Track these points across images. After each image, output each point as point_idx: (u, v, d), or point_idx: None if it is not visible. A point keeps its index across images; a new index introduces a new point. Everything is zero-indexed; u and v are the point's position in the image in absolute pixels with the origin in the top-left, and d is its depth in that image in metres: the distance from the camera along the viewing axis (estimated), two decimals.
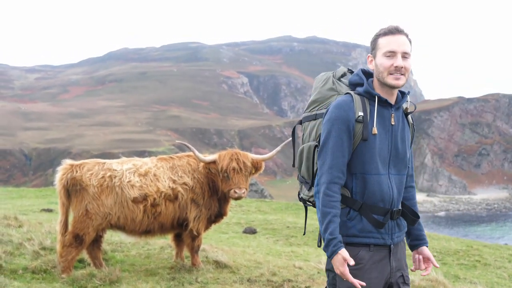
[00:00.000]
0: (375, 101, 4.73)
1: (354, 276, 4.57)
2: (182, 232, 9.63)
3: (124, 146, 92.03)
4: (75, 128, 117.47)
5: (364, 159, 4.67)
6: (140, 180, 9.08)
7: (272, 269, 9.79)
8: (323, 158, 4.67)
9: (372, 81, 4.85)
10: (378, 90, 4.77)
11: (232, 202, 10.07)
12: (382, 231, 4.72)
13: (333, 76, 5.12)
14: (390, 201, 4.74)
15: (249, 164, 9.26)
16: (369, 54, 4.84)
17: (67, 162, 9.15)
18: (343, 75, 5.12)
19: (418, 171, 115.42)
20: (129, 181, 8.99)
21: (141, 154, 66.87)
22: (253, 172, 9.48)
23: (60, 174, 9.00)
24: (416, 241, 5.08)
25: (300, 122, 5.22)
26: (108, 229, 9.29)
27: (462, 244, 16.32)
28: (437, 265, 5.07)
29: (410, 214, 4.94)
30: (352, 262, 4.50)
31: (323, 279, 9.21)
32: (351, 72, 5.17)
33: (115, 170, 9.10)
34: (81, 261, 9.59)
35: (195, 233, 9.40)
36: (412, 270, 5.15)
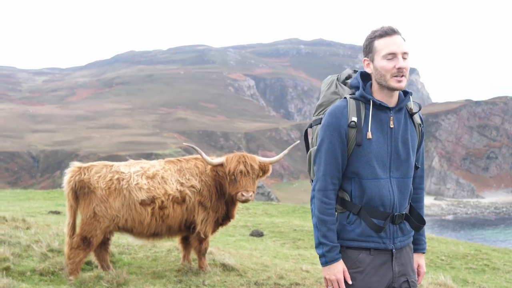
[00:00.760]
0: (370, 105, 4.73)
1: (354, 279, 4.67)
2: (189, 235, 9.63)
3: (131, 148, 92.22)
4: (82, 130, 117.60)
5: (360, 164, 4.67)
6: (148, 182, 9.09)
7: (279, 272, 9.78)
8: (318, 165, 4.75)
9: (371, 84, 4.83)
10: (377, 93, 4.76)
11: (239, 205, 10.06)
12: (382, 235, 4.70)
13: (337, 79, 5.11)
14: (390, 206, 4.71)
15: (256, 167, 9.25)
16: (365, 58, 4.80)
17: (75, 165, 9.16)
18: (348, 78, 5.09)
19: (426, 174, 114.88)
20: (136, 184, 9.00)
21: (148, 156, 66.92)
22: (261, 175, 9.47)
23: (68, 177, 9.01)
24: (413, 245, 5.09)
25: (310, 126, 5.20)
26: (115, 231, 9.30)
27: (471, 248, 16.30)
28: (420, 281, 5.10)
29: (415, 219, 4.92)
30: (349, 281, 4.66)
31: None
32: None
33: (123, 172, 9.11)
34: (88, 263, 9.60)
35: (202, 235, 9.41)
36: None
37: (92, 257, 9.47)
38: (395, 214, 4.73)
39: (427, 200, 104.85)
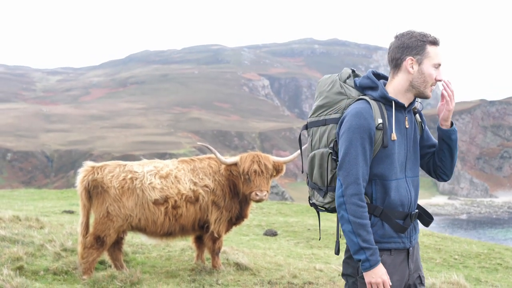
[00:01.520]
0: (391, 106, 4.69)
1: None
2: (203, 234, 9.62)
3: (145, 148, 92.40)
4: (96, 130, 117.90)
5: (385, 166, 4.65)
6: (161, 182, 9.08)
7: (293, 271, 9.77)
8: (347, 169, 4.58)
9: (384, 84, 4.81)
10: (400, 94, 4.73)
11: (253, 204, 10.04)
12: (402, 235, 4.71)
13: (339, 79, 5.00)
14: (408, 205, 4.73)
15: (270, 166, 9.23)
16: (412, 57, 4.67)
17: (88, 164, 9.17)
18: (348, 77, 4.99)
19: None
20: (150, 183, 9.00)
21: (162, 156, 67.09)
22: (274, 174, 9.45)
23: (81, 176, 9.02)
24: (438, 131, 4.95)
25: (306, 127, 5.12)
26: (129, 231, 9.30)
27: (484, 247, 16.24)
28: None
29: (425, 215, 4.97)
30: (390, 282, 4.60)
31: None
32: (354, 73, 5.05)
33: (136, 172, 9.11)
34: (102, 262, 9.61)
35: (216, 235, 9.40)
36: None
37: (105, 256, 9.48)
38: (412, 213, 4.75)
39: (441, 200, 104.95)
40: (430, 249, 14.87)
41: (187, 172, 9.37)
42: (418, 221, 4.98)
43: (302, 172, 5.22)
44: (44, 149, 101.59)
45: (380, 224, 4.66)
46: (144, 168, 9.22)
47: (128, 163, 9.39)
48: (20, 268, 8.75)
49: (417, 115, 4.96)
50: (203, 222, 9.41)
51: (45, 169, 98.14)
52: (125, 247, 9.97)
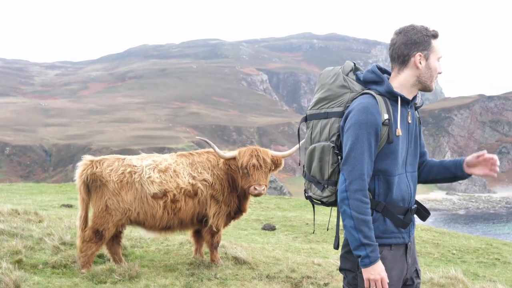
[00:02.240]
0: (396, 101, 4.67)
1: None
2: (201, 228, 9.63)
3: (144, 142, 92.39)
4: (95, 124, 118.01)
5: (389, 161, 4.63)
6: (160, 176, 9.09)
7: (291, 265, 9.79)
8: (352, 164, 4.53)
9: (388, 79, 4.78)
10: (405, 89, 4.72)
11: (251, 199, 10.05)
12: (402, 230, 4.71)
13: (342, 72, 4.95)
14: (408, 200, 4.74)
15: (269, 160, 9.23)
16: (420, 53, 4.64)
17: (87, 158, 9.16)
18: (351, 71, 4.94)
19: None
20: (149, 177, 9.00)
21: (161, 150, 66.81)
22: (273, 168, 9.44)
23: (80, 170, 9.01)
24: (455, 165, 4.95)
25: (305, 119, 5.09)
26: (127, 225, 9.29)
27: (482, 242, 16.30)
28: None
29: (422, 210, 4.99)
30: (387, 279, 4.59)
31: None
32: (355, 67, 5.00)
33: (135, 166, 9.11)
34: (100, 256, 9.62)
35: (214, 229, 9.41)
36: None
37: (104, 250, 9.49)
38: (411, 207, 4.77)
39: (439, 195, 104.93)
40: (428, 244, 14.91)
41: (185, 166, 9.37)
42: (415, 216, 4.98)
43: (299, 165, 5.21)
44: (43, 143, 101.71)
45: (382, 219, 4.65)
46: (143, 162, 9.22)
47: (127, 157, 9.39)
48: (19, 262, 8.76)
49: (416, 111, 4.95)
50: (201, 216, 9.41)
51: (44, 163, 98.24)
52: (124, 241, 9.97)
